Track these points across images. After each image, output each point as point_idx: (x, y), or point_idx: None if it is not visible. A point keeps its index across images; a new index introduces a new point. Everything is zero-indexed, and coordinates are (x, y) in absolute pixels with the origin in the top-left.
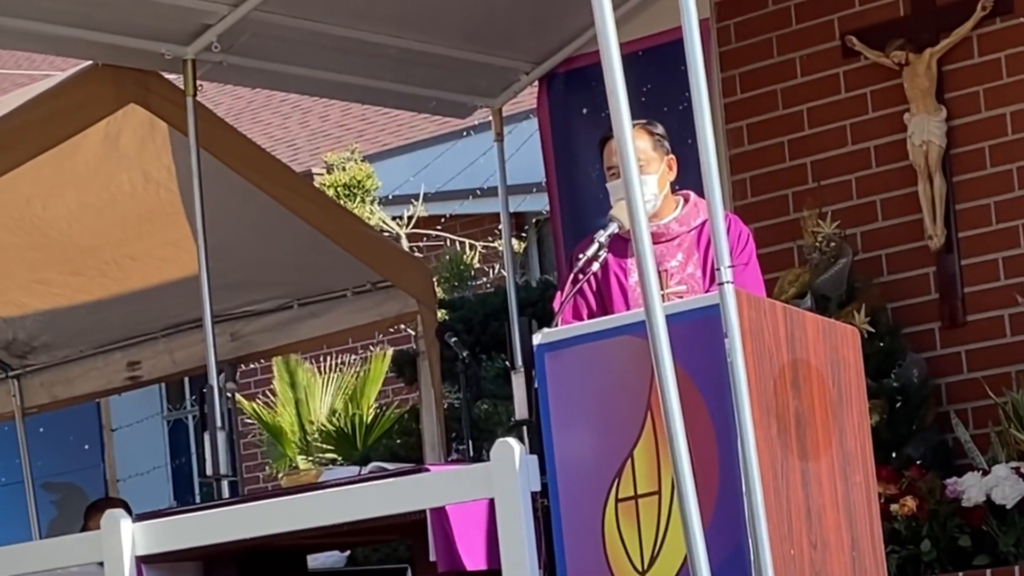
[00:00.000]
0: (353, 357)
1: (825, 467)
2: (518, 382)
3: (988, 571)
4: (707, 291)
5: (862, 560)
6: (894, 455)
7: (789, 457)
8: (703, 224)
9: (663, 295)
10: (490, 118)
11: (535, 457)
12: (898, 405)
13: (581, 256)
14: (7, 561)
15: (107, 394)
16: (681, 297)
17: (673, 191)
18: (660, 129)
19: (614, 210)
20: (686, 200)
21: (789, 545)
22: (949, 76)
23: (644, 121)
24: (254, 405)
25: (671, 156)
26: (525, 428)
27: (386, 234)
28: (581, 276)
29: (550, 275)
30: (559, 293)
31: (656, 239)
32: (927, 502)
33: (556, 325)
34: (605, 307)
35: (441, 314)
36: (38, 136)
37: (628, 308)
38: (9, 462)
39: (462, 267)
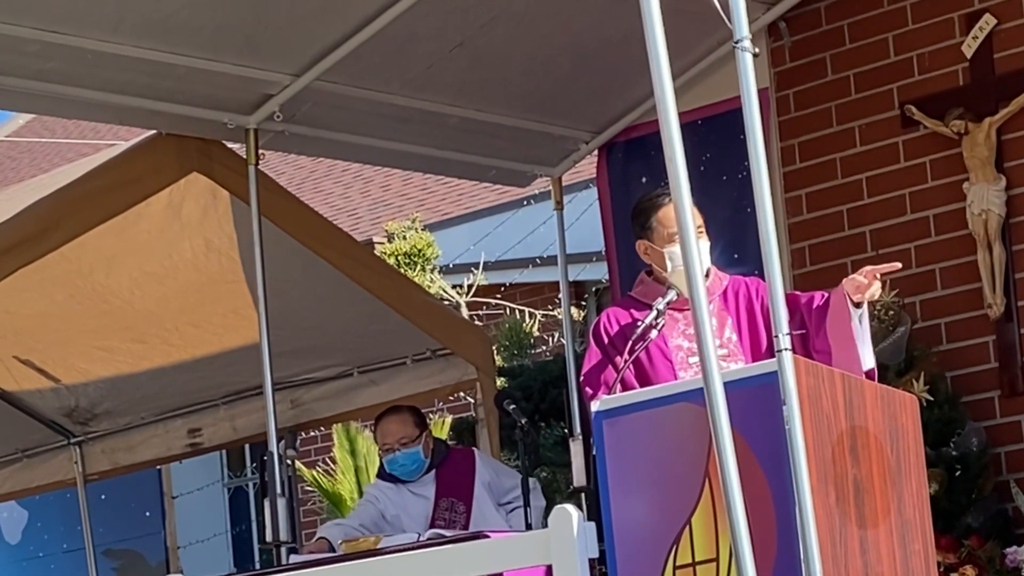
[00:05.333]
0: None
1: (884, 535)
2: (576, 449)
3: None
4: (748, 354)
5: None
6: (953, 524)
7: (847, 525)
8: (725, 290)
9: None
10: (550, 187)
11: (593, 524)
12: (957, 474)
13: (639, 323)
14: None
15: (168, 461)
16: (725, 361)
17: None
18: None
19: (672, 277)
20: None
21: None
22: (1008, 145)
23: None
24: (314, 472)
25: None
26: (583, 495)
27: (446, 302)
28: (638, 345)
29: None
30: (587, 363)
31: (687, 307)
32: (986, 571)
33: (614, 392)
34: (645, 374)
35: (500, 382)
36: (102, 204)
37: (674, 372)
38: (71, 529)
39: (521, 335)
